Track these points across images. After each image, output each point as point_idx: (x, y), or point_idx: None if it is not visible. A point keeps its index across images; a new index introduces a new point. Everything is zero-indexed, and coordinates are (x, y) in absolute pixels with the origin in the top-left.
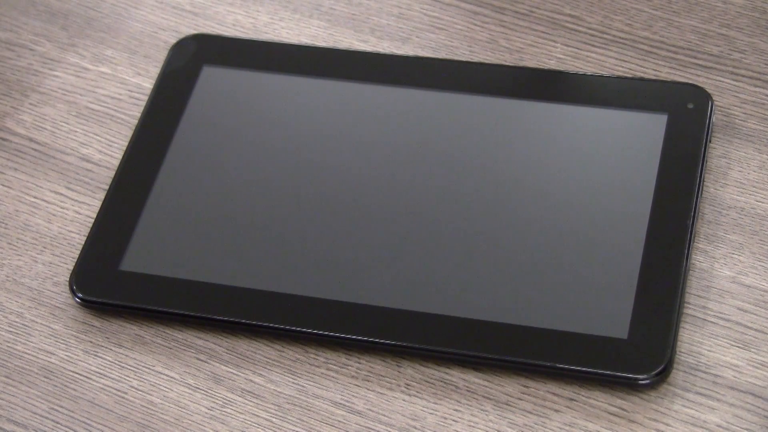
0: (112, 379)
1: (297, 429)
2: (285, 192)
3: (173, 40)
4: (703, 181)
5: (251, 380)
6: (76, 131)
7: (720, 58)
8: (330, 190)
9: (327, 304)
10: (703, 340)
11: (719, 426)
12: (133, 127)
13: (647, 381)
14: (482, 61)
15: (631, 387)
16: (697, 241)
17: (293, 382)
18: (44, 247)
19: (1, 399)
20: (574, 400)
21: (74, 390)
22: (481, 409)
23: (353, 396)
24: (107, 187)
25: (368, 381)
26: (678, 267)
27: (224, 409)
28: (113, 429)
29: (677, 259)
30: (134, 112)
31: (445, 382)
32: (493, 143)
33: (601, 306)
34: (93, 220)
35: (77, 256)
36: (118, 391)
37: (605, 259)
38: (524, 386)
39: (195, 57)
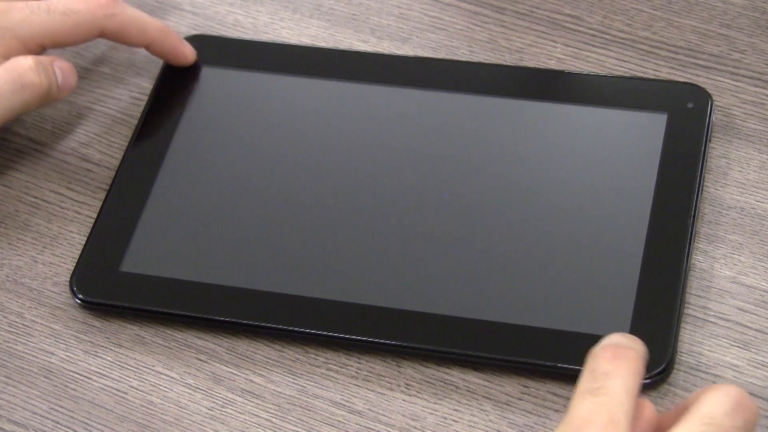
0: (112, 379)
1: (297, 429)
2: (285, 192)
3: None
4: (703, 180)
5: (251, 380)
6: (76, 131)
7: (720, 58)
8: (330, 191)
9: (327, 304)
10: (704, 341)
11: None
12: (133, 127)
13: (648, 381)
14: (482, 61)
15: None
16: (697, 241)
17: (293, 382)
18: (44, 247)
19: (1, 399)
20: None
21: (74, 390)
22: (481, 409)
23: (353, 396)
24: (107, 187)
25: (368, 381)
26: (678, 267)
27: (224, 409)
28: (113, 429)
29: (677, 259)
30: (134, 112)
31: (445, 382)
32: (493, 143)
33: (602, 306)
34: (93, 220)
35: (77, 256)
36: (118, 391)
37: (605, 258)
38: (524, 386)
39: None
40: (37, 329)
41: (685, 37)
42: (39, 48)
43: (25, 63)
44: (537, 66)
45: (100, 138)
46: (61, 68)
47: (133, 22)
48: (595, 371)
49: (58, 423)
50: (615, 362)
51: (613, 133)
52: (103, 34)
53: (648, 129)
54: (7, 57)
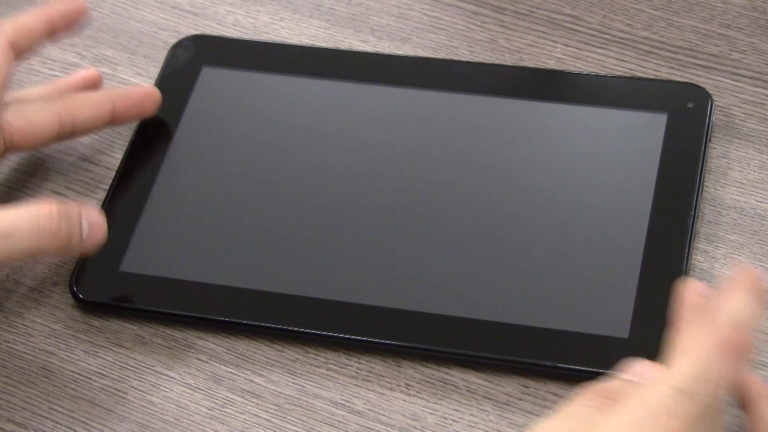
0: (112, 379)
1: (297, 429)
2: (285, 192)
3: (173, 40)
4: (703, 180)
5: (251, 380)
6: None
7: (720, 58)
8: (330, 191)
9: (327, 304)
10: None
11: None
12: (133, 127)
13: None
14: (482, 61)
15: None
16: (697, 241)
17: (293, 382)
18: None
19: (1, 399)
20: None
21: (74, 390)
22: (481, 409)
23: (353, 396)
24: (107, 187)
25: (368, 381)
26: (678, 267)
27: (224, 409)
28: (113, 429)
29: (677, 259)
30: None
31: (445, 382)
32: (493, 143)
33: (602, 305)
34: None
35: (77, 256)
36: (118, 391)
37: (606, 258)
38: (524, 386)
39: (195, 57)
40: (37, 329)
41: (685, 37)
42: None
43: (48, 209)
44: (537, 66)
45: (100, 138)
46: (89, 222)
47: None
48: (706, 368)
49: (58, 423)
50: (729, 361)
51: (613, 133)
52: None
53: (648, 129)
54: None
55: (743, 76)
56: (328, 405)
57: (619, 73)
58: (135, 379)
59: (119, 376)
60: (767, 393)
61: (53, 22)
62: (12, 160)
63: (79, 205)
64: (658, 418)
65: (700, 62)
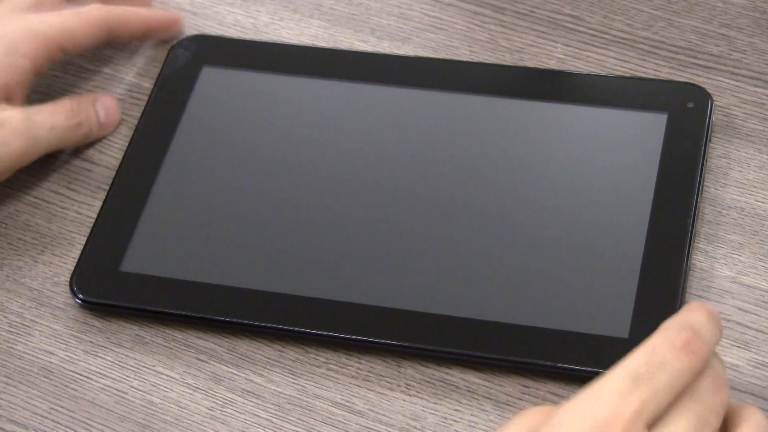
0: (112, 379)
1: (297, 429)
2: (285, 192)
3: (173, 40)
4: (703, 180)
5: (251, 380)
6: None
7: (720, 58)
8: (330, 191)
9: (327, 304)
10: None
11: None
12: (133, 127)
13: None
14: (482, 61)
15: None
16: (697, 241)
17: (293, 382)
18: (44, 247)
19: (1, 399)
20: None
21: (74, 390)
22: (481, 409)
23: (353, 396)
24: (107, 187)
25: (368, 381)
26: (678, 267)
27: (224, 409)
28: (113, 429)
29: (677, 259)
30: (134, 112)
31: (445, 382)
32: (493, 143)
33: (602, 305)
34: (93, 220)
35: (77, 256)
36: (118, 391)
37: (606, 258)
38: (524, 386)
39: (195, 57)
40: (37, 329)
41: (685, 37)
42: (59, 51)
43: (69, 105)
44: (537, 66)
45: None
46: (105, 107)
47: (128, 11)
48: (654, 355)
49: (58, 423)
50: (680, 354)
51: (613, 133)
52: (110, 30)
53: (648, 129)
54: (33, 59)
55: (743, 76)
56: (328, 405)
57: (619, 73)
58: (135, 379)
59: (119, 376)
60: (742, 405)
61: (149, 26)
62: None
63: (93, 95)
64: (609, 400)
65: (700, 62)
